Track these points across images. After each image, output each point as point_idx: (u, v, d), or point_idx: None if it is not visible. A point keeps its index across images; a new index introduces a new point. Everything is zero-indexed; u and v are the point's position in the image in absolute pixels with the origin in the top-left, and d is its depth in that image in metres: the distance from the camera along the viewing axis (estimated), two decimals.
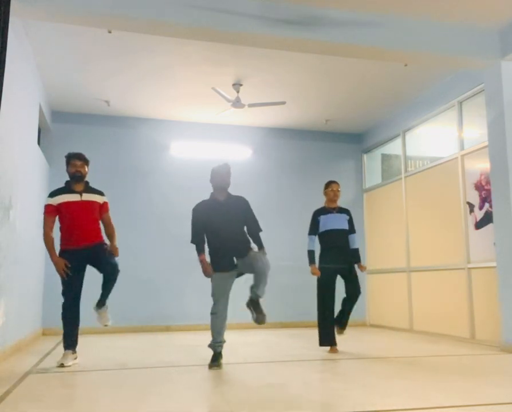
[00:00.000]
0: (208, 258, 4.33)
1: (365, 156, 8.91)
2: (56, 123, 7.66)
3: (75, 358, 4.30)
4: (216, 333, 4.25)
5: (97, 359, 4.64)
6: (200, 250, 4.31)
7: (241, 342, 5.87)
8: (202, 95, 7.06)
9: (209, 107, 7.52)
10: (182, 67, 6.21)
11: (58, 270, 4.24)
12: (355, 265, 5.21)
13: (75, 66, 6.17)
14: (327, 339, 5.06)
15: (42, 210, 6.98)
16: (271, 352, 4.58)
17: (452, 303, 6.29)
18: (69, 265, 4.23)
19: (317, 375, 3.89)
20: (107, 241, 4.51)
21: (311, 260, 5.17)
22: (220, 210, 4.32)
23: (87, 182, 4.52)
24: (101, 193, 4.56)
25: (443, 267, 6.49)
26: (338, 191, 5.31)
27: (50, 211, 4.34)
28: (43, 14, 4.41)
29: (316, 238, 5.26)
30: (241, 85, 6.74)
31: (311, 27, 4.80)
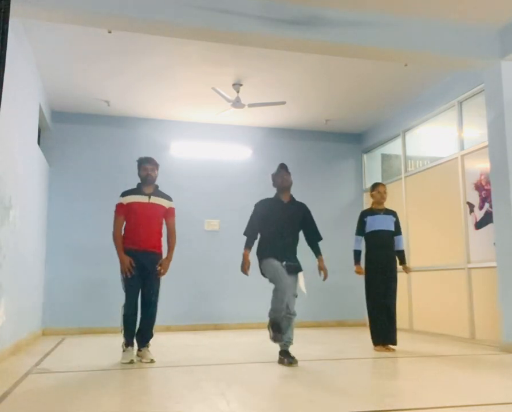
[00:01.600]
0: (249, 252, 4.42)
1: (365, 156, 8.91)
2: (56, 123, 7.66)
3: (142, 357, 4.43)
4: (279, 304, 4.15)
5: (97, 359, 4.64)
6: (247, 245, 4.39)
7: (242, 342, 5.87)
8: (202, 95, 7.06)
9: (209, 107, 7.52)
10: (182, 67, 6.21)
11: (122, 267, 4.39)
12: (401, 266, 5.28)
13: (75, 66, 6.17)
14: (379, 337, 5.06)
15: (42, 210, 7.01)
16: (272, 352, 4.58)
17: (452, 303, 6.29)
18: (134, 265, 4.38)
19: (317, 375, 3.89)
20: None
21: (357, 260, 5.23)
22: (282, 210, 4.43)
23: (157, 186, 4.71)
24: (168, 198, 4.72)
25: (443, 267, 6.49)
26: (385, 193, 5.34)
27: (120, 210, 4.57)
28: (43, 14, 4.41)
29: (362, 239, 5.29)
30: (241, 85, 6.74)
31: (311, 27, 4.80)
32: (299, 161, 8.61)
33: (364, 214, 5.35)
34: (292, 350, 4.34)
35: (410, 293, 7.24)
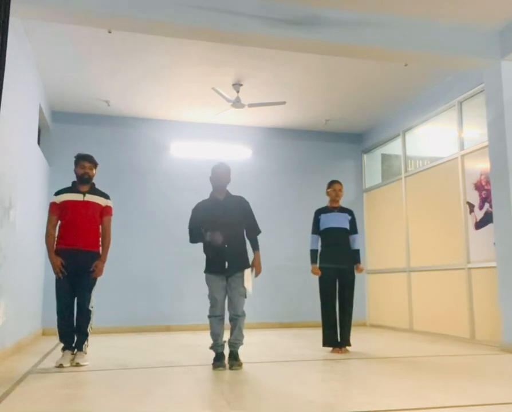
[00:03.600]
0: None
1: (365, 156, 8.91)
2: (56, 123, 7.66)
3: (73, 359, 4.30)
4: (215, 335, 4.20)
5: (97, 359, 4.63)
6: (194, 239, 4.33)
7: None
8: (202, 95, 7.06)
9: (209, 107, 7.52)
10: (182, 67, 6.21)
11: (54, 268, 4.25)
12: (354, 266, 5.19)
13: (75, 66, 6.17)
14: (330, 340, 5.03)
15: (42, 210, 7.00)
16: (272, 352, 4.58)
17: (452, 303, 6.29)
18: (64, 264, 4.23)
19: (317, 375, 3.89)
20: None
21: (313, 259, 5.15)
22: (219, 208, 4.28)
23: (93, 184, 4.52)
24: (105, 196, 4.55)
25: (443, 267, 6.49)
26: (340, 191, 5.29)
27: (53, 209, 4.38)
28: (43, 14, 4.41)
29: (319, 238, 5.22)
30: (241, 85, 6.74)
31: (311, 27, 4.80)
32: (299, 161, 8.63)
33: (318, 212, 5.28)
34: (293, 350, 4.33)
35: (410, 293, 7.24)
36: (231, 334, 4.23)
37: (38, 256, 6.72)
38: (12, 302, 4.99)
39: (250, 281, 4.23)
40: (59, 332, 4.28)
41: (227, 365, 4.08)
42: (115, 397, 3.10)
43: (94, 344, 5.73)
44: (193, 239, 4.33)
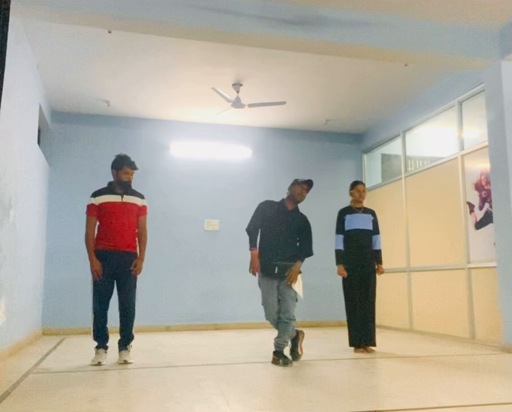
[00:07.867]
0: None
1: (365, 156, 8.91)
2: (56, 123, 7.66)
3: (120, 358, 4.38)
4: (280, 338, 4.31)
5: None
6: (253, 243, 4.37)
7: (242, 342, 5.87)
8: (202, 95, 7.06)
9: (209, 107, 7.52)
10: (182, 67, 6.21)
11: (92, 270, 4.31)
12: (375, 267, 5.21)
13: (75, 66, 6.17)
14: (357, 340, 5.04)
15: (42, 210, 7.01)
16: (272, 352, 4.58)
17: (452, 303, 6.29)
18: (104, 266, 4.30)
19: (317, 375, 3.89)
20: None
21: (339, 260, 5.11)
22: (284, 216, 4.43)
23: (129, 185, 4.60)
24: (141, 196, 4.63)
25: (443, 267, 6.49)
26: (364, 191, 5.29)
27: (92, 211, 4.44)
28: (43, 14, 4.41)
29: (342, 238, 5.17)
30: (241, 85, 6.75)
31: (311, 27, 4.80)
32: (299, 161, 8.62)
33: (343, 212, 5.25)
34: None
35: (410, 293, 7.24)
36: (280, 336, 4.35)
37: (38, 255, 6.72)
38: (12, 302, 4.99)
39: (300, 287, 4.38)
40: (95, 331, 4.37)
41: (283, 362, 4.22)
42: (116, 397, 3.10)
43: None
44: (251, 229, 4.41)
